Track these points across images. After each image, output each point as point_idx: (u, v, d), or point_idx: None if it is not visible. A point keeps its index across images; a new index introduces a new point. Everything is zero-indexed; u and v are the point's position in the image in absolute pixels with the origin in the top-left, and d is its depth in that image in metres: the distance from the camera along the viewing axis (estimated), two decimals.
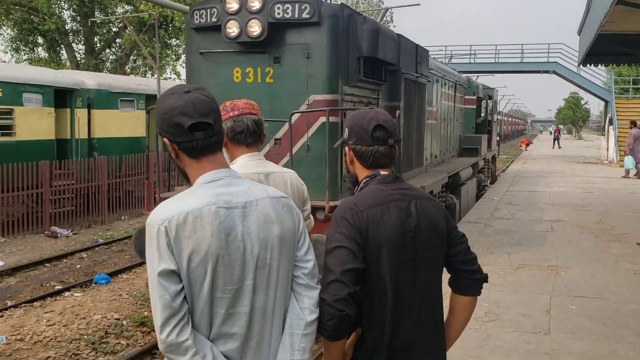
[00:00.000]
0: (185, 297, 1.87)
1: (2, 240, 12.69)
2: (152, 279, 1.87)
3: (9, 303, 8.68)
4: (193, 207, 1.89)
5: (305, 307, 2.04)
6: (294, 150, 6.57)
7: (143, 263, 6.95)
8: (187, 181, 2.09)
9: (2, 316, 7.90)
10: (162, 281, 1.84)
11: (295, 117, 6.68)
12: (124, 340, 7.00)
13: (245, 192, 1.99)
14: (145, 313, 7.77)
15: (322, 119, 6.68)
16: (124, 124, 16.75)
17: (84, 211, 15.06)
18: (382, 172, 2.37)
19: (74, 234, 13.92)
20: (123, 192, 16.16)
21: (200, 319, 1.90)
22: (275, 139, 6.93)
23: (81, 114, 15.80)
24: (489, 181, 18.95)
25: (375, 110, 2.45)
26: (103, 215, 15.46)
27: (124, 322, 7.50)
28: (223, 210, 1.91)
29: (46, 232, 13.63)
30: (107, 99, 16.51)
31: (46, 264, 11.25)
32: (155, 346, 6.68)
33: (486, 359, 5.04)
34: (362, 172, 2.40)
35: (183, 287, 1.87)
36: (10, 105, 13.63)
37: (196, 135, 1.95)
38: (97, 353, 6.58)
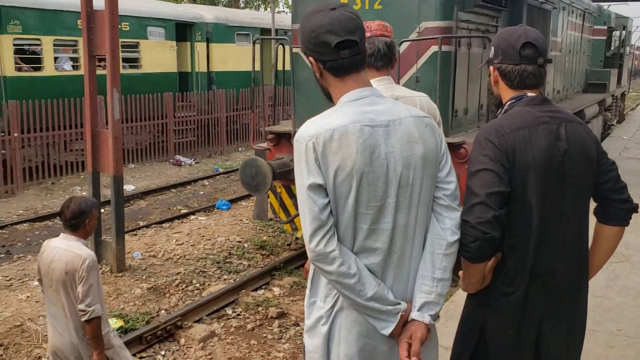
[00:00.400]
0: (331, 211, 1.93)
1: (132, 166, 13.65)
2: (301, 192, 1.93)
3: (141, 223, 9.43)
4: (339, 125, 1.91)
5: (446, 228, 2.03)
6: (402, 82, 6.10)
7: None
8: (329, 100, 2.11)
9: (136, 234, 8.60)
10: (311, 194, 1.90)
11: (404, 46, 6.15)
12: (245, 262, 7.40)
13: (389, 110, 1.98)
14: (265, 238, 8.16)
15: (434, 48, 6.11)
16: (240, 57, 17.14)
17: (205, 142, 15.81)
18: (529, 94, 2.25)
19: (196, 162, 14.71)
20: (239, 125, 16.73)
21: (345, 232, 1.95)
22: None
23: (200, 47, 16.34)
24: (615, 120, 17.66)
25: (525, 27, 2.31)
26: (222, 146, 16.16)
27: (245, 245, 7.92)
28: (367, 128, 1.91)
29: (171, 160, 14.50)
30: (224, 33, 16.92)
31: (172, 190, 12.03)
32: (275, 268, 7.03)
33: (613, 299, 4.85)
34: (507, 93, 2.30)
35: (329, 201, 1.92)
36: (136, 39, 14.32)
37: (342, 54, 1.94)
38: (221, 271, 7.01)
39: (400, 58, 5.78)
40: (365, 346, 2.01)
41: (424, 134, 2.00)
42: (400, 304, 1.98)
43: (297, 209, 6.76)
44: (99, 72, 6.69)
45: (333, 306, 2.03)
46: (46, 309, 3.49)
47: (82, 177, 12.38)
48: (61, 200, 10.87)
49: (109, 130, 6.36)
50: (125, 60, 13.75)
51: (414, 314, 1.99)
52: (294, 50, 6.65)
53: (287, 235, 8.25)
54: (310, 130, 1.94)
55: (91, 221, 3.45)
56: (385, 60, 2.94)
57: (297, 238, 7.98)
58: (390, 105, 2.01)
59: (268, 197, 7.24)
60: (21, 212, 10.13)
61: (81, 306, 3.24)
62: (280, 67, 7.85)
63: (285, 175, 6.68)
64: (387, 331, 1.96)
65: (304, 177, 1.92)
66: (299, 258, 7.38)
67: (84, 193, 11.44)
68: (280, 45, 7.49)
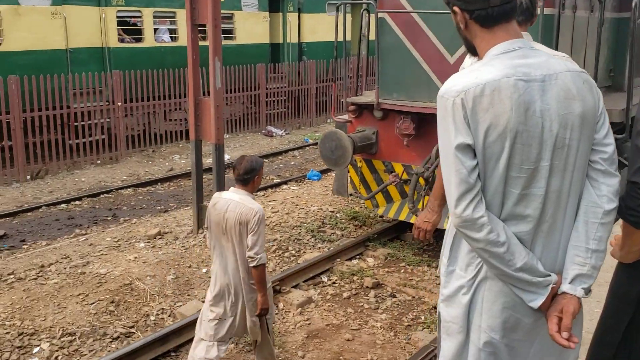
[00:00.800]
0: (479, 174, 1.82)
1: (227, 136, 13.99)
2: (447, 153, 1.83)
3: None
4: (490, 79, 1.77)
5: (602, 195, 1.87)
6: None
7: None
8: (472, 54, 2.00)
9: None
10: (458, 155, 1.79)
11: None
12: (338, 231, 7.43)
13: (544, 64, 1.83)
14: (357, 208, 8.14)
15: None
16: (331, 27, 16.94)
17: (294, 113, 15.94)
18: None
19: (286, 133, 14.89)
20: (328, 96, 16.73)
21: (493, 197, 1.84)
22: None
23: (292, 18, 16.38)
24: None
25: None
26: (311, 118, 16.25)
27: (338, 215, 7.94)
28: (521, 83, 1.77)
29: (263, 131, 14.74)
30: (315, 3, 16.86)
31: (264, 160, 12.24)
32: (368, 239, 7.00)
33: None
34: None
35: (477, 163, 1.81)
36: (231, 10, 14.53)
37: (492, 2, 1.81)
38: (315, 240, 7.08)
39: None
40: (510, 318, 1.91)
41: (582, 91, 1.84)
42: (550, 275, 1.86)
43: (378, 184, 6.67)
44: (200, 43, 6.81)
45: (476, 275, 1.94)
46: (213, 253, 3.86)
47: (180, 145, 12.84)
48: (161, 167, 11.35)
49: (211, 99, 6.50)
50: (225, 31, 14.00)
51: (566, 287, 1.86)
52: (380, 15, 6.37)
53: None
54: (458, 85, 1.81)
55: (259, 178, 3.81)
56: (527, 15, 2.75)
57: (381, 216, 7.72)
58: (545, 58, 1.86)
59: (348, 172, 6.95)
60: (125, 177, 10.66)
61: (250, 253, 3.63)
62: (365, 34, 7.58)
63: (367, 149, 6.49)
64: (536, 304, 1.85)
65: (451, 136, 1.80)
66: (393, 230, 7.31)
67: (182, 161, 11.88)
68: (366, 12, 7.15)
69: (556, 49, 5.35)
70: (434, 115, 4.98)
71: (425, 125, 6.09)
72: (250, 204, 3.67)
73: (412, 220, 6.01)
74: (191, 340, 4.87)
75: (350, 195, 7.56)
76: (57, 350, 4.70)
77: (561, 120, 1.80)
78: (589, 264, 1.86)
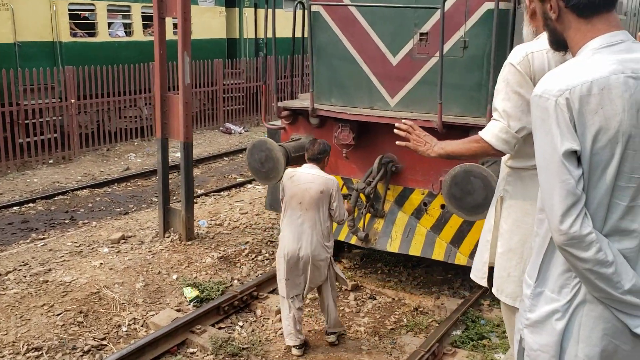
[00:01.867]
0: (583, 185, 1.65)
1: None
2: (550, 161, 1.64)
3: (199, 191, 9.35)
4: (598, 76, 1.61)
5: None
6: (446, 48, 4.92)
7: None
8: (557, 48, 1.84)
9: (196, 202, 8.51)
10: (565, 163, 1.61)
11: (449, 2, 4.93)
12: None
13: None
14: None
15: (488, 5, 5.00)
16: (288, 23, 16.76)
17: (253, 110, 15.65)
18: None
19: (245, 131, 14.59)
20: (288, 93, 16.48)
21: (596, 211, 1.67)
22: (421, 34, 5.18)
23: (249, 13, 16.07)
24: None
25: None
26: (271, 115, 15.95)
27: None
28: (632, 80, 1.61)
29: (221, 128, 14.40)
30: None
31: (224, 158, 11.94)
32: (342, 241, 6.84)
33: None
34: None
35: (583, 172, 1.64)
36: None
37: None
38: None
39: (444, 17, 4.71)
40: (608, 346, 1.75)
41: None
42: None
43: None
44: (153, 38, 6.47)
45: (572, 299, 1.76)
46: (283, 222, 4.48)
47: (136, 143, 12.39)
48: (117, 166, 10.91)
49: (180, 95, 6.21)
50: (175, 26, 13.58)
51: None
52: (314, 8, 5.61)
53: None
54: (560, 84, 1.63)
55: (328, 159, 4.62)
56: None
57: None
58: None
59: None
60: (80, 178, 10.18)
61: (336, 216, 4.46)
62: (300, 32, 6.45)
63: (303, 160, 5.71)
64: None
65: (556, 141, 1.62)
66: None
67: (138, 160, 11.46)
68: (300, 4, 6.19)
69: (511, 45, 4.94)
70: (377, 125, 4.82)
71: (366, 134, 5.49)
72: (327, 176, 4.45)
73: (353, 241, 5.58)
74: (167, 352, 4.64)
75: None
76: None
77: None
78: None
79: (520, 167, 2.66)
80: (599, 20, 1.70)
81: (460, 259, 5.18)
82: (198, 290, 5.45)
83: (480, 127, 4.36)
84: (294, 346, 4.57)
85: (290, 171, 4.53)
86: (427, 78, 5.17)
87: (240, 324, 5.10)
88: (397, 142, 2.87)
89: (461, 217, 4.59)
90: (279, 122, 6.10)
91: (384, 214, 5.50)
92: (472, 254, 5.02)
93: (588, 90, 1.60)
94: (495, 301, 5.32)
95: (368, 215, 5.53)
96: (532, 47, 2.52)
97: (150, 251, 6.36)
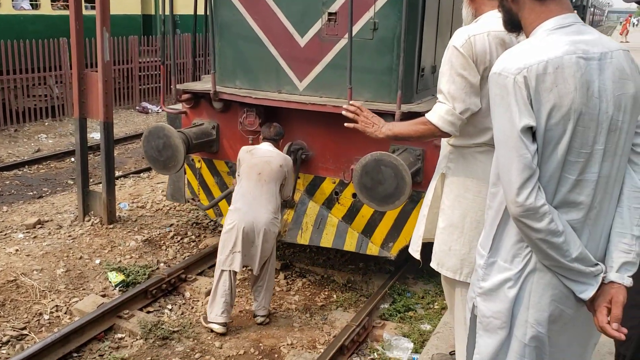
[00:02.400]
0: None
1: None
2: (508, 137, 1.71)
3: (118, 173, 9.01)
4: (552, 56, 1.68)
5: None
6: (355, 30, 4.67)
7: None
8: (511, 29, 1.91)
9: (116, 185, 8.21)
10: (524, 138, 1.68)
11: None
12: None
13: (599, 41, 1.76)
14: None
15: None
16: None
17: (170, 88, 15.18)
18: None
19: (162, 110, 14.15)
20: (207, 71, 16.14)
21: (548, 184, 1.75)
22: (329, 14, 4.84)
23: None
24: None
25: None
26: (171, 98, 15.55)
27: None
28: (582, 60, 1.69)
29: (137, 107, 13.91)
30: None
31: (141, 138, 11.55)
32: None
33: None
34: None
35: (537, 147, 1.71)
36: None
37: None
38: (215, 223, 6.80)
39: None
40: (555, 311, 1.86)
41: (634, 71, 1.80)
42: (598, 264, 1.82)
43: (221, 190, 5.52)
44: (62, 12, 6.14)
45: (524, 268, 1.84)
46: (241, 194, 4.51)
47: (46, 124, 11.74)
48: (26, 148, 10.33)
49: (99, 73, 5.95)
50: (87, 0, 12.93)
51: (613, 276, 1.82)
52: None
53: None
54: (519, 62, 1.69)
55: (281, 141, 4.84)
56: None
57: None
58: (597, 35, 1.79)
59: (185, 173, 5.77)
60: None
61: (285, 192, 4.73)
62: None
63: (206, 147, 5.37)
64: (587, 295, 1.80)
65: (514, 118, 1.69)
66: None
67: (50, 141, 10.90)
68: None
69: (421, 29, 4.85)
70: (285, 110, 4.72)
71: (274, 120, 5.04)
72: (284, 154, 4.72)
73: None
74: (94, 339, 4.49)
75: (189, 201, 5.98)
76: None
77: (616, 101, 1.74)
78: (634, 251, 1.84)
79: (462, 145, 2.72)
80: (553, 2, 1.78)
81: (372, 249, 5.04)
82: (123, 274, 5.29)
83: (391, 114, 4.46)
84: (221, 324, 4.54)
85: (248, 147, 4.64)
86: (337, 61, 4.85)
87: (169, 307, 5.01)
88: (345, 124, 2.86)
89: (372, 207, 4.47)
90: (180, 106, 5.66)
91: (294, 204, 5.21)
92: (384, 244, 5.01)
93: (544, 69, 1.67)
94: (420, 274, 5.53)
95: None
96: (474, 30, 2.57)
97: (70, 236, 6.09)
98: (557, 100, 1.68)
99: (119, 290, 5.15)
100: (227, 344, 4.52)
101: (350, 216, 5.14)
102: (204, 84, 5.51)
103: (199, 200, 5.75)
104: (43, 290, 5.02)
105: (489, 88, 1.82)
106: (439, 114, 2.61)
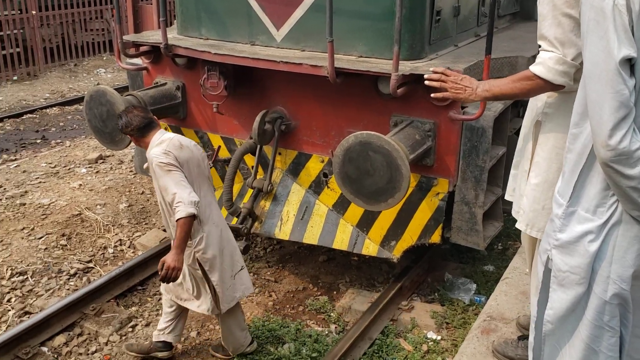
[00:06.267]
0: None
1: None
2: (603, 69, 1.50)
3: None
4: None
5: None
6: None
7: None
8: None
9: None
10: (622, 71, 1.48)
11: None
12: None
13: None
14: None
15: None
16: None
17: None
18: None
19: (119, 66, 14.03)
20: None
21: None
22: None
23: None
24: None
25: None
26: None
27: None
28: None
29: None
30: None
31: None
32: None
33: None
34: None
35: (636, 83, 1.51)
36: None
37: None
38: None
39: None
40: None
41: None
42: None
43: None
44: None
45: (608, 219, 1.67)
46: (206, 204, 3.22)
47: (105, 58, 11.86)
48: (86, 83, 10.46)
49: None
50: None
51: None
52: None
53: None
54: None
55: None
56: None
57: None
58: None
59: None
60: (47, 95, 9.74)
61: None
62: None
63: (170, 112, 4.34)
64: None
65: (613, 47, 1.48)
66: None
67: (109, 76, 11.01)
68: None
69: None
70: (261, 71, 3.43)
71: (246, 81, 4.09)
72: None
73: (234, 222, 4.08)
74: (157, 273, 4.55)
75: None
76: (8, 292, 4.26)
77: None
78: None
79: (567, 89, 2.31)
80: None
81: (369, 248, 3.99)
82: None
83: (386, 74, 3.31)
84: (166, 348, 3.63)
85: (173, 139, 3.14)
86: (323, 1, 3.39)
87: None
88: (432, 95, 2.53)
89: (360, 205, 3.44)
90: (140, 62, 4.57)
91: (272, 187, 4.17)
92: (384, 242, 3.95)
93: None
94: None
95: (250, 190, 4.20)
96: None
97: (131, 171, 6.18)
98: None
99: None
100: (286, 279, 4.53)
101: (342, 204, 4.03)
102: (171, 32, 4.32)
103: None
104: (107, 225, 5.13)
105: (581, 12, 1.59)
106: (547, 65, 2.19)
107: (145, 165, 3.28)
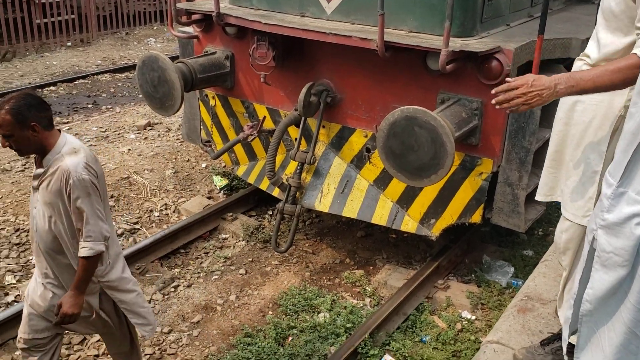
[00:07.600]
0: None
1: None
2: None
3: None
4: None
5: None
6: None
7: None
8: None
9: None
10: None
11: None
12: None
13: None
14: None
15: None
16: None
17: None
18: None
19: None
20: None
21: None
22: None
23: None
24: None
25: None
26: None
27: None
28: None
29: None
30: None
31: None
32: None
33: None
34: None
35: None
36: None
37: None
38: None
39: None
40: None
41: None
42: None
43: (236, 133, 4.53)
44: None
45: None
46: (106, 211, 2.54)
47: (155, 28, 12.06)
48: (137, 51, 10.66)
49: None
50: None
51: None
52: None
53: None
54: None
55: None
56: None
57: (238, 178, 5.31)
58: None
59: (200, 110, 4.88)
60: (99, 62, 9.98)
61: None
62: None
63: (219, 81, 4.39)
64: None
65: None
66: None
67: (159, 45, 11.19)
68: None
69: None
70: (308, 40, 3.44)
71: (295, 52, 4.10)
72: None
73: (275, 193, 4.34)
74: (200, 237, 4.70)
75: (208, 143, 4.90)
76: None
77: None
78: None
79: None
80: None
81: (408, 224, 4.01)
82: (227, 179, 5.45)
83: (436, 49, 3.22)
84: None
85: (86, 149, 2.48)
86: None
87: (270, 212, 5.14)
88: (508, 111, 2.31)
89: (402, 180, 3.42)
90: (192, 30, 4.63)
91: (315, 160, 4.17)
92: (424, 219, 3.97)
93: None
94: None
95: (294, 163, 4.24)
96: None
97: (178, 139, 6.32)
98: None
99: (224, 194, 5.33)
100: (323, 252, 4.61)
101: (383, 180, 4.05)
102: (223, 2, 4.39)
103: (213, 144, 4.85)
104: (153, 189, 5.29)
105: None
106: None
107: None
